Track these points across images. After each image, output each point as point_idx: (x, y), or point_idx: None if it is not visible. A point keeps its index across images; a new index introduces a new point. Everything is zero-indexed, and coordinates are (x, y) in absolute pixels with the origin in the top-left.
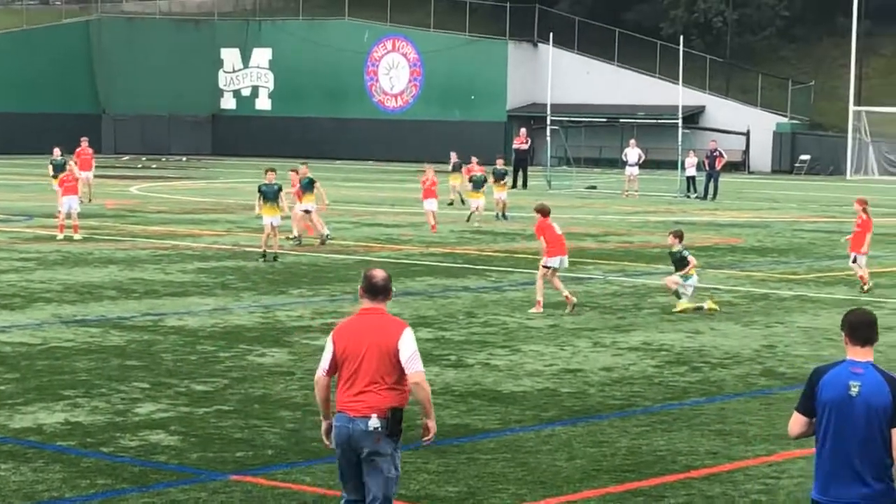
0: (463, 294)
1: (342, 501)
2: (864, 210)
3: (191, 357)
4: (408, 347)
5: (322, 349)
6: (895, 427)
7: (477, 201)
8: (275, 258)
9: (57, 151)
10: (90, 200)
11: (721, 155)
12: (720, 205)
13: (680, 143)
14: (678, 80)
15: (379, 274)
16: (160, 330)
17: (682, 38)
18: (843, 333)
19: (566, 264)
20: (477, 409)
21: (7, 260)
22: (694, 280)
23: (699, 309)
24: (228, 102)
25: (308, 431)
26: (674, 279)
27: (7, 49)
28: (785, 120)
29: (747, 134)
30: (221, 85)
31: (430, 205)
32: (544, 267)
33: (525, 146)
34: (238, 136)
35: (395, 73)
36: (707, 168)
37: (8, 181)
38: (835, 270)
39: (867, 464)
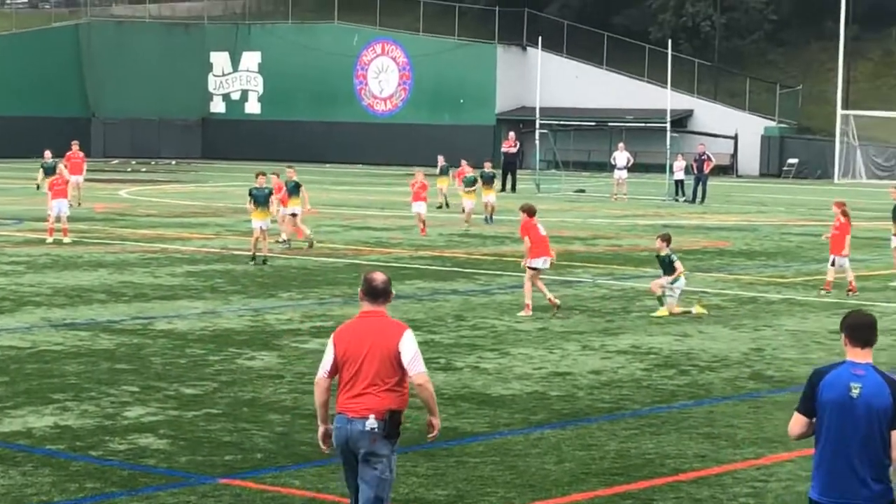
0: (452, 297)
1: None
2: (843, 213)
3: (180, 360)
4: (409, 349)
5: (312, 352)
6: (895, 429)
7: (470, 202)
8: (264, 261)
9: (48, 154)
10: (79, 204)
11: (709, 158)
12: (708, 208)
13: (668, 147)
14: (666, 83)
15: (379, 277)
16: (149, 333)
17: (670, 42)
18: (842, 335)
19: (549, 265)
20: (466, 412)
21: None
22: (681, 283)
23: (687, 313)
24: (218, 106)
25: (297, 435)
26: (659, 283)
27: None
28: (773, 124)
29: (735, 138)
30: (211, 88)
31: (419, 208)
32: (530, 268)
33: (514, 150)
34: (227, 139)
35: (384, 76)
36: (695, 172)
37: None
38: (823, 274)
39: (867, 465)
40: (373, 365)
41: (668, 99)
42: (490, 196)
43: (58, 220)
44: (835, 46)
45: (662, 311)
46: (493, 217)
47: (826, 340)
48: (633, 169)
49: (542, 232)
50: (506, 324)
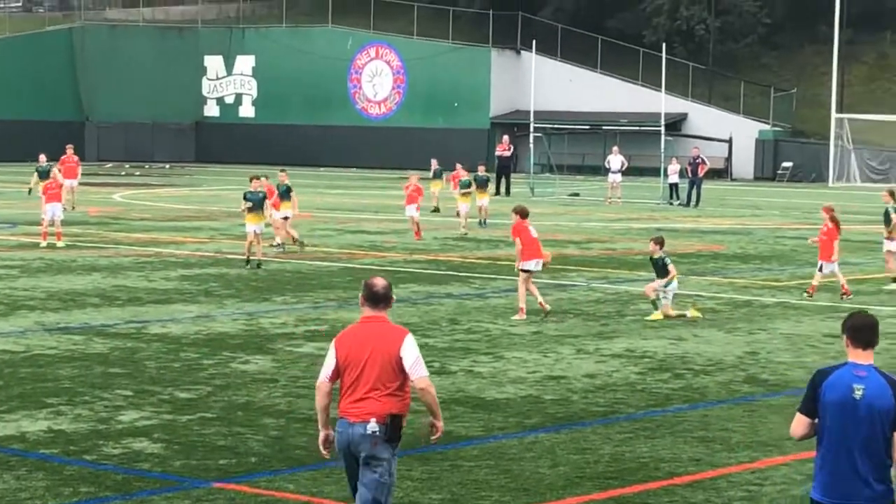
0: (446, 301)
1: None
2: (831, 218)
3: (174, 364)
4: (410, 354)
5: (306, 356)
6: None
7: (465, 206)
8: (258, 265)
9: (42, 158)
10: (73, 208)
11: (703, 162)
12: (703, 212)
13: (663, 151)
14: (661, 87)
15: (379, 282)
16: (143, 337)
17: (664, 45)
18: (843, 336)
19: (541, 267)
20: (460, 416)
21: None
22: (674, 286)
23: (682, 316)
24: (212, 110)
25: (291, 439)
26: (653, 286)
27: None
28: (767, 127)
29: (730, 141)
30: (205, 92)
31: (413, 211)
32: (522, 271)
33: (507, 153)
34: (221, 143)
35: (378, 80)
36: (690, 175)
37: None
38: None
39: (869, 465)
40: (374, 370)
41: (662, 102)
42: (484, 200)
43: (51, 223)
44: (829, 50)
45: (657, 315)
46: (487, 221)
47: (820, 344)
48: (627, 172)
49: (534, 234)
50: (500, 327)
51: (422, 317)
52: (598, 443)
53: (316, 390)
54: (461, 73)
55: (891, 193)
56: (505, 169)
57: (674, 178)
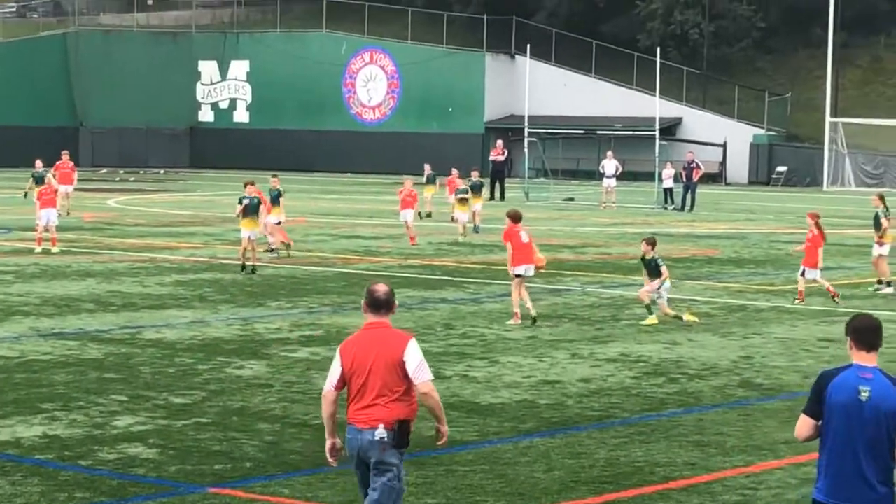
0: (441, 306)
1: None
2: (816, 224)
3: (169, 370)
4: (414, 358)
5: (301, 361)
6: None
7: (463, 215)
8: (253, 270)
9: (39, 164)
10: (68, 213)
11: (698, 166)
12: (697, 216)
13: (657, 155)
14: (655, 91)
15: (381, 288)
16: (138, 343)
17: (658, 50)
18: (847, 338)
19: (532, 272)
20: (455, 420)
21: None
22: (667, 286)
23: (678, 318)
24: (206, 115)
25: (286, 444)
26: (647, 291)
27: None
28: (762, 131)
29: (724, 145)
30: (199, 97)
31: (407, 216)
32: (515, 276)
33: (502, 158)
34: (216, 148)
35: (372, 85)
36: (684, 179)
37: None
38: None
39: (874, 468)
40: (379, 376)
41: (656, 107)
42: (477, 205)
43: (46, 229)
44: (823, 54)
45: (651, 320)
46: (480, 226)
47: (815, 348)
48: (621, 177)
49: (525, 239)
50: (495, 332)
51: (417, 322)
52: (593, 447)
53: (322, 399)
54: (455, 77)
55: (881, 197)
56: (499, 174)
57: (668, 183)
